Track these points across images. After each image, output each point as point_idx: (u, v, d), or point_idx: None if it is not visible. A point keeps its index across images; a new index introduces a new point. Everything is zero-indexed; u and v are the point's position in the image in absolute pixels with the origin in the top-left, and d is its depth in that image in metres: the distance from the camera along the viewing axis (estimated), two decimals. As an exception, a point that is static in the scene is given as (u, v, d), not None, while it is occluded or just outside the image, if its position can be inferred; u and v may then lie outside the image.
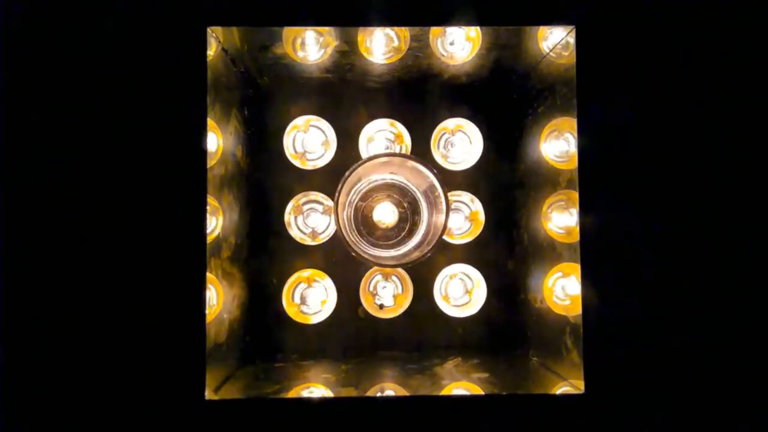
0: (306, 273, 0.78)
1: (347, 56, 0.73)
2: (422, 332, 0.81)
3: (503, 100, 0.82)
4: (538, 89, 0.74)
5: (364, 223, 0.76)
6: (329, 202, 0.79)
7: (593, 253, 0.59)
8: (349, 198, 0.73)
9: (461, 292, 0.78)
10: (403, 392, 0.65)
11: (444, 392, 0.65)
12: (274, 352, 0.79)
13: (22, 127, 0.60)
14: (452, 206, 0.79)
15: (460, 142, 0.80)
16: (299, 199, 0.79)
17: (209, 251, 0.61)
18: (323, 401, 0.61)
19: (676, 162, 0.61)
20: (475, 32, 0.69)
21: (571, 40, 0.61)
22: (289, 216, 0.79)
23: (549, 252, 0.71)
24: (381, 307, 0.78)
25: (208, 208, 0.60)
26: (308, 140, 0.79)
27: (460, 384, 0.67)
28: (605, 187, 0.60)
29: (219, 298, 0.66)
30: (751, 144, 0.61)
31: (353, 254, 0.66)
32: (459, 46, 0.72)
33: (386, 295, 0.78)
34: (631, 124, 0.60)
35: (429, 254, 0.66)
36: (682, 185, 0.61)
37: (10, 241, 0.59)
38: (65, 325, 0.59)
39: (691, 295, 0.60)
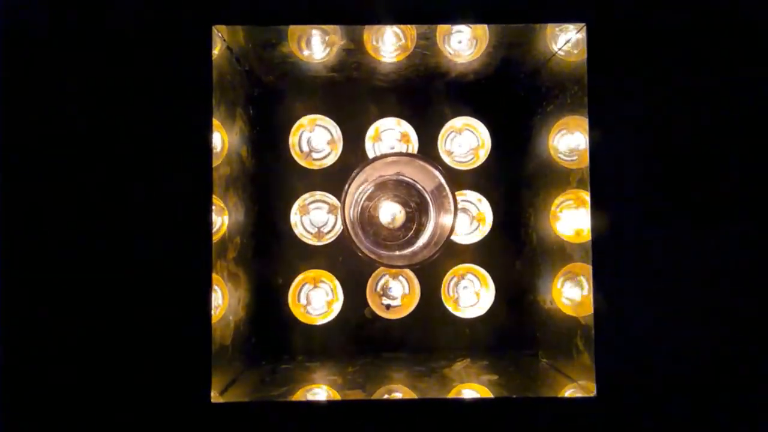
0: (312, 273, 0.77)
1: (353, 55, 0.72)
2: (430, 333, 0.80)
3: (511, 98, 0.81)
4: (547, 87, 0.74)
5: (370, 223, 0.75)
6: (335, 202, 0.78)
7: (605, 253, 0.59)
8: (355, 198, 0.73)
9: (469, 292, 0.77)
10: (411, 394, 0.64)
11: (453, 395, 0.64)
12: (280, 354, 0.79)
13: (24, 127, 0.59)
14: (459, 206, 0.78)
15: (468, 141, 0.79)
16: (305, 198, 0.79)
17: (215, 252, 0.61)
18: (330, 404, 0.61)
19: (688, 161, 0.60)
20: (482, 30, 0.69)
21: (582, 37, 0.61)
22: (295, 216, 0.78)
23: (558, 252, 0.71)
24: (388, 307, 0.77)
25: (213, 208, 0.59)
26: (314, 139, 0.79)
27: (469, 386, 0.66)
28: (617, 187, 0.59)
29: (224, 300, 0.65)
30: (766, 142, 0.60)
31: (360, 254, 0.66)
32: (466, 44, 0.71)
33: (393, 296, 0.77)
34: (643, 123, 0.60)
35: (437, 254, 0.66)
36: (695, 184, 0.60)
37: (14, 241, 0.59)
38: (70, 326, 0.58)
39: (705, 297, 0.59)
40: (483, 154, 0.79)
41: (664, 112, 0.60)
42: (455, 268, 0.78)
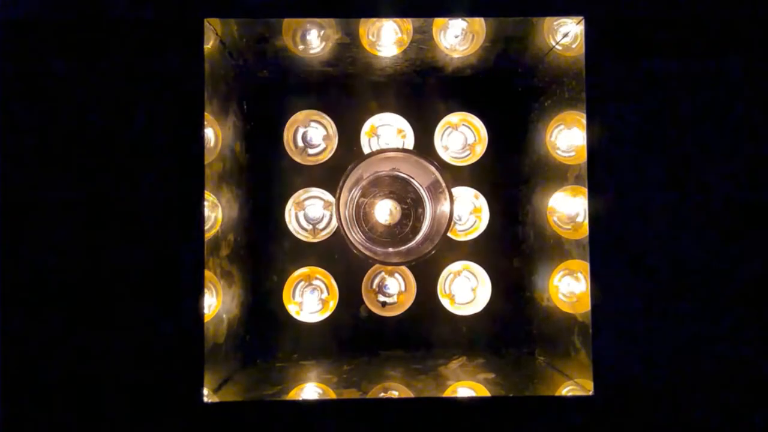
0: (307, 270, 0.77)
1: (349, 49, 0.72)
2: (426, 331, 0.80)
3: (508, 93, 0.81)
4: (545, 82, 0.73)
5: (366, 219, 0.75)
6: (330, 198, 0.77)
7: (603, 250, 0.58)
8: (350, 194, 0.72)
9: (466, 289, 0.77)
10: (407, 393, 0.64)
11: (450, 393, 0.64)
12: (274, 352, 0.78)
13: (11, 121, 0.58)
14: (456, 202, 0.77)
15: (464, 137, 0.79)
16: (300, 195, 0.78)
17: (208, 249, 0.60)
18: (325, 403, 0.60)
19: (687, 156, 0.59)
20: (479, 24, 0.68)
21: (580, 31, 0.60)
22: (289, 212, 0.77)
23: (555, 249, 0.70)
24: (384, 305, 0.77)
25: (206, 204, 0.59)
26: (309, 135, 0.78)
27: (466, 384, 0.66)
28: (615, 182, 0.59)
29: (218, 297, 0.65)
30: (766, 137, 0.60)
31: (355, 252, 0.65)
32: (463, 38, 0.70)
33: (389, 293, 0.77)
34: (641, 118, 0.59)
35: (433, 251, 0.65)
36: (694, 181, 0.59)
37: (5, 237, 0.58)
38: (59, 324, 0.58)
39: (704, 293, 0.59)
40: (480, 149, 0.78)
41: (662, 106, 0.59)
42: (452, 264, 0.78)
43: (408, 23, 0.67)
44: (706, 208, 0.59)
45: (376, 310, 0.77)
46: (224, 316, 0.68)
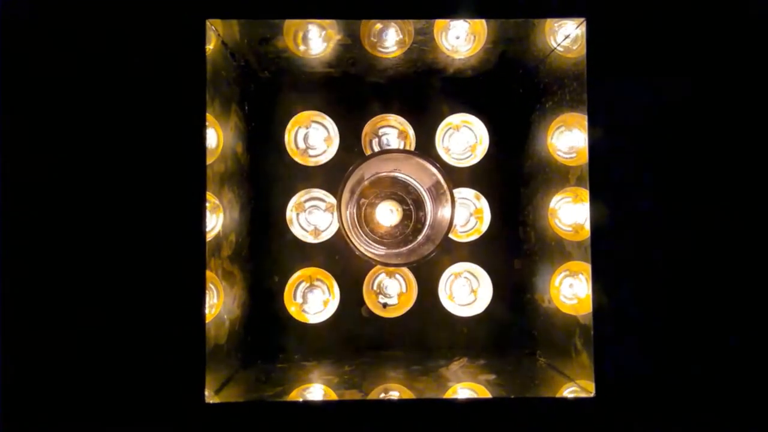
0: (308, 272, 0.77)
1: (350, 50, 0.71)
2: (427, 332, 0.80)
3: (509, 95, 0.81)
4: (546, 84, 0.73)
5: (367, 220, 0.75)
6: (332, 200, 0.77)
7: (604, 251, 0.58)
8: (352, 195, 0.72)
9: (466, 291, 0.77)
10: (408, 394, 0.64)
11: (451, 395, 0.64)
12: (275, 353, 0.78)
13: (11, 123, 0.58)
14: (457, 203, 0.77)
15: (465, 138, 0.79)
16: (301, 196, 0.78)
17: (209, 250, 0.60)
18: (326, 404, 0.60)
19: (690, 158, 0.59)
20: (480, 25, 0.68)
21: (581, 32, 0.60)
22: (290, 213, 0.77)
23: (556, 250, 0.70)
24: (385, 306, 0.77)
25: (208, 205, 0.59)
26: (310, 136, 0.78)
27: (467, 386, 0.66)
28: (617, 184, 0.59)
29: (219, 298, 0.65)
30: (767, 137, 0.60)
31: (356, 253, 0.65)
32: (464, 39, 0.70)
33: (390, 294, 0.76)
34: (643, 120, 0.59)
35: (434, 252, 0.65)
36: (697, 182, 0.59)
37: (6, 239, 0.58)
38: (61, 324, 0.58)
39: (706, 295, 0.59)
40: (481, 151, 0.78)
41: (664, 108, 0.59)
42: (453, 266, 0.78)
43: (409, 24, 0.67)
44: (708, 209, 0.59)
45: (377, 311, 0.77)
46: (226, 316, 0.67)
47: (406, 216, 0.75)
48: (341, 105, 0.80)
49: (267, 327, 0.78)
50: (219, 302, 0.65)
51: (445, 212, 0.68)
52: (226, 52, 0.68)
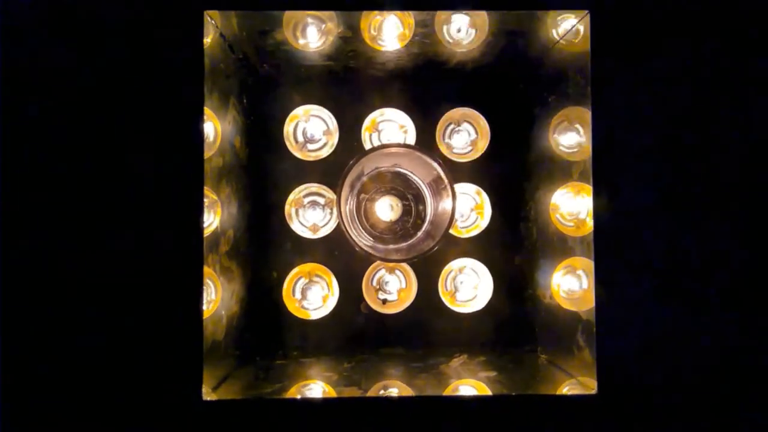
0: (307, 267, 0.76)
1: (350, 43, 0.71)
2: (427, 328, 0.79)
3: (511, 88, 0.80)
4: (549, 77, 0.73)
5: (367, 216, 0.74)
6: (331, 195, 0.77)
7: (607, 247, 0.58)
8: (351, 190, 0.71)
9: (467, 287, 0.76)
10: (407, 391, 0.63)
11: (451, 392, 0.63)
12: (274, 349, 0.77)
13: (12, 116, 0.58)
14: (457, 199, 0.76)
15: (467, 133, 0.78)
16: (300, 190, 0.77)
17: (207, 245, 0.59)
18: (325, 402, 0.59)
19: (694, 153, 0.59)
20: (482, 17, 0.67)
21: (585, 25, 0.59)
22: (289, 208, 0.77)
23: (559, 246, 0.70)
24: (384, 302, 0.76)
25: (205, 200, 0.58)
26: (310, 130, 0.77)
27: (467, 383, 0.65)
28: (620, 179, 0.58)
29: (217, 294, 0.64)
30: (772, 134, 0.59)
31: (356, 248, 0.65)
32: (466, 32, 0.69)
33: (390, 290, 0.76)
34: (647, 114, 0.58)
35: (435, 248, 0.65)
36: (701, 177, 0.59)
37: (4, 238, 0.57)
38: (56, 323, 0.57)
39: (710, 291, 0.58)
40: (482, 145, 0.78)
41: (668, 102, 0.59)
42: (453, 261, 0.77)
43: (410, 17, 0.67)
44: (712, 205, 0.59)
45: (377, 307, 0.76)
46: (223, 312, 0.67)
47: (406, 211, 0.74)
48: (341, 98, 0.79)
49: (265, 323, 0.78)
50: (217, 298, 0.64)
51: (445, 207, 0.67)
52: (225, 44, 0.67)
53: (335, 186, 0.64)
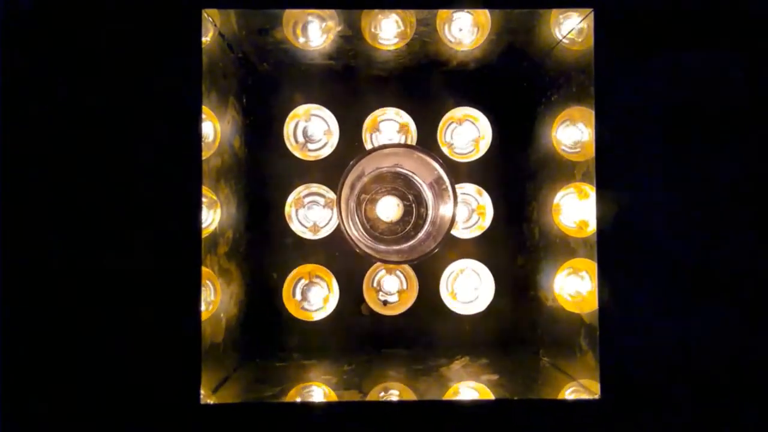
0: (307, 268, 0.75)
1: (350, 42, 0.70)
2: (428, 330, 0.79)
3: (514, 88, 0.79)
4: (551, 76, 0.72)
5: (367, 217, 0.74)
6: (331, 195, 0.76)
7: (611, 248, 0.57)
8: (352, 191, 0.71)
9: (468, 288, 0.76)
10: (408, 394, 0.63)
11: (452, 395, 0.63)
12: (274, 351, 0.77)
13: (11, 118, 0.57)
14: (459, 199, 0.76)
15: (468, 132, 0.77)
16: (300, 191, 0.77)
17: (205, 246, 0.59)
18: (325, 406, 0.59)
19: (698, 153, 0.58)
20: (484, 16, 0.67)
21: (589, 24, 0.59)
22: (289, 209, 0.76)
23: (561, 247, 0.69)
24: (385, 303, 0.76)
25: (204, 200, 0.58)
26: (310, 130, 0.77)
27: (469, 386, 0.65)
28: (623, 179, 0.57)
29: (216, 296, 0.64)
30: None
31: (357, 250, 0.64)
32: (468, 31, 0.69)
33: (391, 292, 0.75)
34: (652, 113, 0.58)
35: (436, 249, 0.64)
36: (705, 177, 0.58)
37: (4, 237, 0.57)
38: (55, 324, 0.57)
39: (715, 294, 0.58)
40: (484, 145, 0.77)
41: (672, 101, 0.58)
42: (454, 263, 0.76)
43: (411, 15, 0.66)
44: (716, 206, 0.58)
45: (378, 309, 0.76)
46: (222, 314, 0.67)
47: (407, 212, 0.74)
48: (341, 98, 0.78)
49: (265, 325, 0.77)
50: (215, 300, 0.64)
51: (446, 208, 0.66)
52: (224, 43, 0.67)
53: (336, 186, 0.63)
